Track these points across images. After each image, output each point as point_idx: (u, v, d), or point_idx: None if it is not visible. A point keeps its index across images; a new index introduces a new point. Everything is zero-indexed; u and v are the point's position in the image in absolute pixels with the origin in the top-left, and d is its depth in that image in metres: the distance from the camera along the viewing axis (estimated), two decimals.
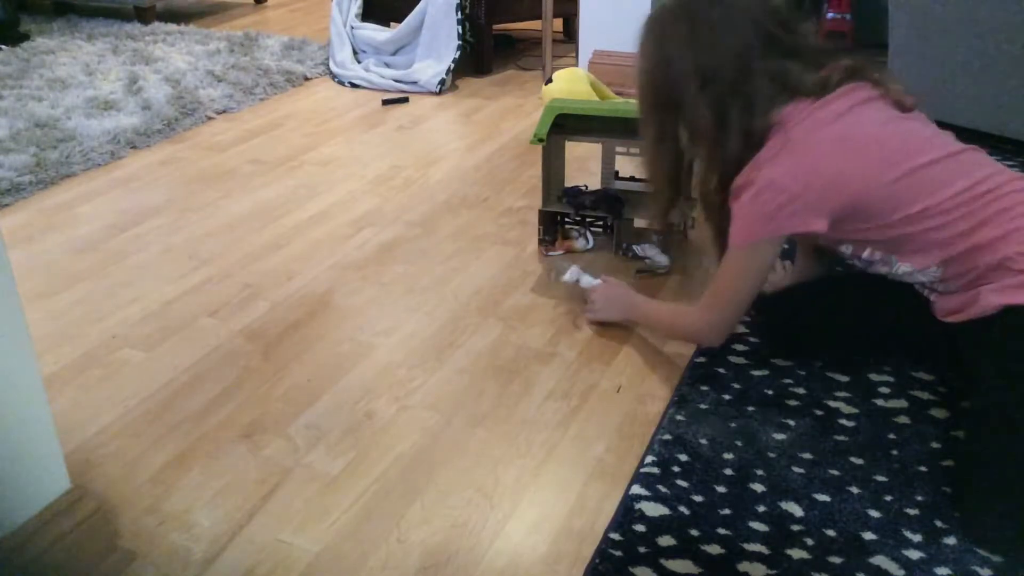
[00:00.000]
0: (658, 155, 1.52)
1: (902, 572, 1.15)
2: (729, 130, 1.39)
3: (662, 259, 1.92)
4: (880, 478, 1.30)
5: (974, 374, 1.33)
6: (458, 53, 3.16)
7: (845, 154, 1.36)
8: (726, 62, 1.37)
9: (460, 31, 3.15)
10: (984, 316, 1.31)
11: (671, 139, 1.47)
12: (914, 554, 1.17)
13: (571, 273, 1.79)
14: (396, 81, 3.19)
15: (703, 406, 1.47)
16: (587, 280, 1.77)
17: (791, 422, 1.43)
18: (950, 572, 1.14)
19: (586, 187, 2.07)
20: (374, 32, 3.39)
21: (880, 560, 1.16)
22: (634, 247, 1.96)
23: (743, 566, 1.16)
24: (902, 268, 1.41)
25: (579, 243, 2.02)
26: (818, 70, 1.39)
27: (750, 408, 1.46)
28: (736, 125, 1.39)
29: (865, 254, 1.43)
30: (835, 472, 1.31)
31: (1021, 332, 1.28)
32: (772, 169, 1.36)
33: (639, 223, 2.02)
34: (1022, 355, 1.27)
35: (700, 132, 1.43)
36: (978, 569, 1.15)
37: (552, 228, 2.02)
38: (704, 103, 1.39)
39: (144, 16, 3.98)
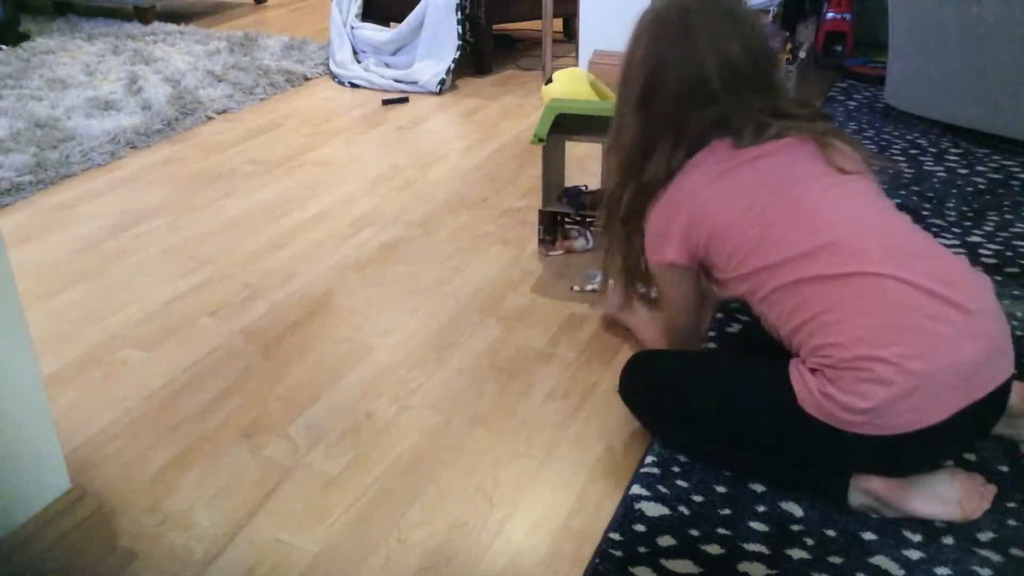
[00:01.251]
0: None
1: (902, 572, 1.15)
2: (651, 157, 1.36)
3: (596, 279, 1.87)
4: None
5: None
6: (458, 53, 3.16)
7: (710, 193, 1.31)
8: (668, 95, 1.33)
9: (460, 31, 3.15)
10: None
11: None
12: (914, 554, 1.17)
13: (597, 283, 1.81)
14: (396, 81, 3.19)
15: None
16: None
17: None
18: (950, 572, 1.14)
19: (586, 187, 2.07)
20: (374, 32, 3.39)
21: (880, 560, 1.16)
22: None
23: (743, 566, 1.16)
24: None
25: (579, 243, 2.02)
26: (764, 122, 1.31)
27: None
28: (661, 155, 1.35)
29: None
30: None
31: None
32: (656, 202, 1.37)
33: None
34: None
35: (624, 145, 1.40)
36: (978, 569, 1.15)
37: (552, 228, 2.02)
38: (638, 121, 1.37)
39: (144, 16, 3.98)
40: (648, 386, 1.41)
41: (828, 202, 1.26)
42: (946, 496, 1.21)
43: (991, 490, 1.25)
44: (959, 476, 1.24)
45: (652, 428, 1.41)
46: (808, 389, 1.19)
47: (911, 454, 1.20)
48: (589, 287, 1.83)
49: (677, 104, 1.33)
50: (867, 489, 1.22)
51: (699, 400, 1.33)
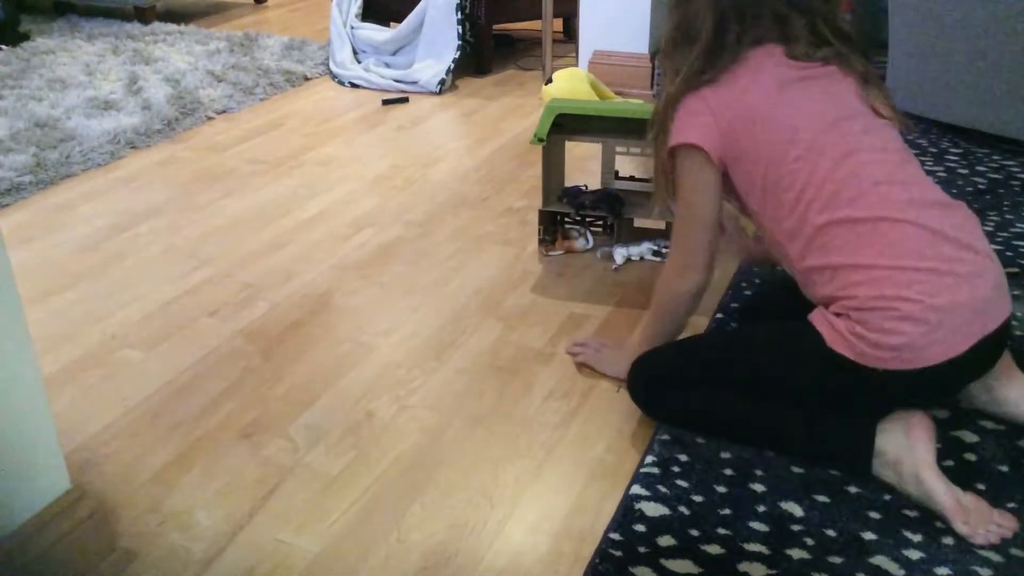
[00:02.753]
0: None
1: (902, 572, 1.15)
2: (722, 44, 1.34)
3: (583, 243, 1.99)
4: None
5: None
6: (458, 53, 3.16)
7: (767, 104, 1.32)
8: None
9: (460, 31, 3.15)
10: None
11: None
12: (914, 554, 1.17)
13: (619, 255, 1.91)
14: (396, 81, 3.19)
15: None
16: (634, 251, 1.89)
17: None
18: (950, 572, 1.14)
19: (586, 187, 2.07)
20: (374, 32, 3.39)
21: (880, 560, 1.16)
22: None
23: (743, 566, 1.16)
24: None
25: (579, 243, 2.02)
26: (822, 37, 1.34)
27: None
28: (728, 41, 1.34)
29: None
30: (835, 472, 1.31)
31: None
32: (710, 89, 1.34)
33: (639, 222, 2.02)
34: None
35: (694, 35, 1.36)
36: (978, 569, 1.15)
37: (552, 228, 2.02)
38: (711, 8, 1.34)
39: (144, 16, 3.98)
40: (663, 369, 1.43)
41: (864, 145, 1.31)
42: (960, 498, 1.21)
43: (1009, 526, 1.20)
44: (976, 498, 1.23)
45: (665, 414, 1.42)
46: (838, 331, 1.25)
47: (937, 385, 1.29)
48: (621, 261, 1.86)
49: None
50: (895, 425, 1.26)
51: (725, 364, 1.37)
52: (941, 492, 1.21)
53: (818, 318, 1.29)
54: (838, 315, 1.26)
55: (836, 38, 1.35)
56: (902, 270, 1.23)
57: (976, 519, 1.20)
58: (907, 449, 1.25)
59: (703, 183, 1.38)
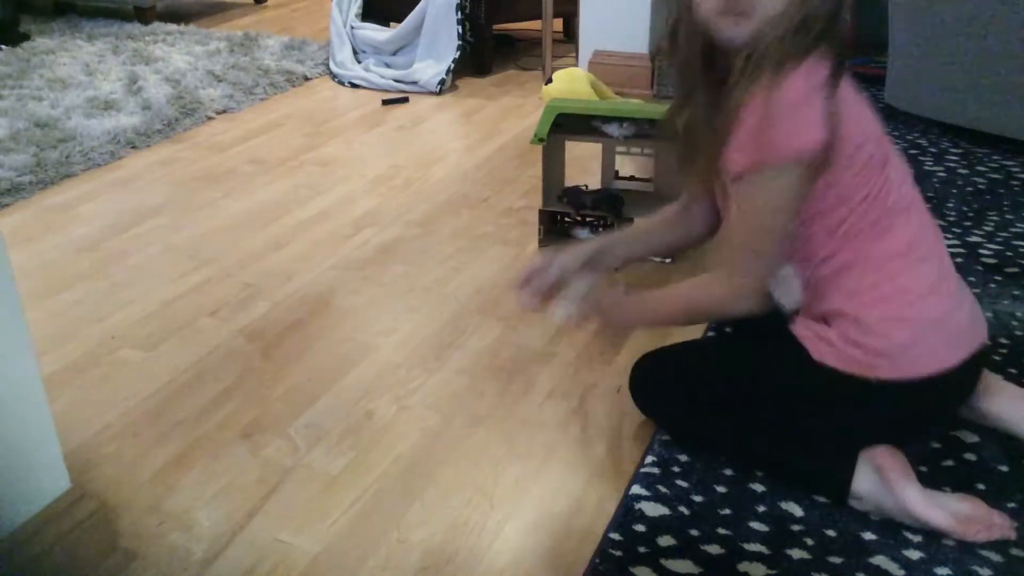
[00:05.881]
0: None
1: (902, 572, 1.15)
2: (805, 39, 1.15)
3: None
4: None
5: None
6: (458, 53, 3.16)
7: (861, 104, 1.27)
8: None
9: (460, 31, 3.15)
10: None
11: None
12: (914, 554, 1.17)
13: (564, 308, 1.37)
14: (396, 81, 3.19)
15: None
16: (578, 289, 1.38)
17: None
18: (950, 572, 1.14)
19: (586, 187, 2.07)
20: (374, 32, 3.39)
21: (880, 560, 1.16)
22: None
23: (743, 566, 1.16)
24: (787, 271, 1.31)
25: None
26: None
27: None
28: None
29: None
30: None
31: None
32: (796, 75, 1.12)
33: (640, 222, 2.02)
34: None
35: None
36: (978, 569, 1.15)
37: (552, 228, 2.03)
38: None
39: (144, 16, 3.98)
40: (660, 380, 1.41)
41: (892, 152, 1.28)
42: (948, 507, 1.21)
43: (1004, 526, 1.20)
44: (970, 499, 1.23)
45: (663, 421, 1.42)
46: (825, 339, 1.23)
47: (926, 404, 1.27)
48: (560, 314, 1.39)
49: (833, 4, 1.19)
50: (873, 461, 1.23)
51: (713, 383, 1.35)
52: (935, 519, 1.19)
53: (802, 330, 1.25)
54: (829, 324, 1.23)
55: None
56: (917, 261, 1.23)
57: (976, 525, 1.19)
58: (885, 492, 1.22)
59: (791, 199, 1.18)
